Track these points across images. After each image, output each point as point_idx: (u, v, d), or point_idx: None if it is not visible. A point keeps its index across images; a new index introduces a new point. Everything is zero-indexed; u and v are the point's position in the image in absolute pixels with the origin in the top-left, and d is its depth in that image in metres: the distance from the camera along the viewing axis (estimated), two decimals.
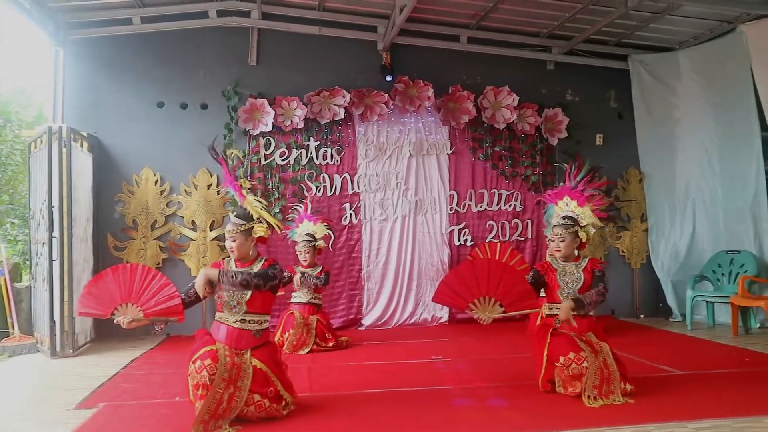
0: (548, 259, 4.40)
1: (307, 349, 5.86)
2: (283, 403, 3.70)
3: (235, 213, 3.92)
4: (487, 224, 7.85)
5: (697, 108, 7.76)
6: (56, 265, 5.84)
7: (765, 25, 6.75)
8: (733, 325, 6.56)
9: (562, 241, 4.25)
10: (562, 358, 3.96)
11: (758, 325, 6.79)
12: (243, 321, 3.70)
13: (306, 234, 6.24)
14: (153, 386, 4.56)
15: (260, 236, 3.89)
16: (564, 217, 4.33)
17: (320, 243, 6.33)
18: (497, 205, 7.89)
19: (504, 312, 3.99)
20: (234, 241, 3.81)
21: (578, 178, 4.43)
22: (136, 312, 3.52)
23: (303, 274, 6.09)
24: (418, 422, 3.58)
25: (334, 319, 7.04)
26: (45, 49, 7.34)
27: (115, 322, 3.53)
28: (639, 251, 8.21)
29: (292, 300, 6.19)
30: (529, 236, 7.90)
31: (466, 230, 7.81)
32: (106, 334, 6.70)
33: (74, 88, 7.02)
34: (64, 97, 6.98)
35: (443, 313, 7.64)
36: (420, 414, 3.72)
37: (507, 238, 7.86)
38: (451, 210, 7.79)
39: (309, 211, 6.48)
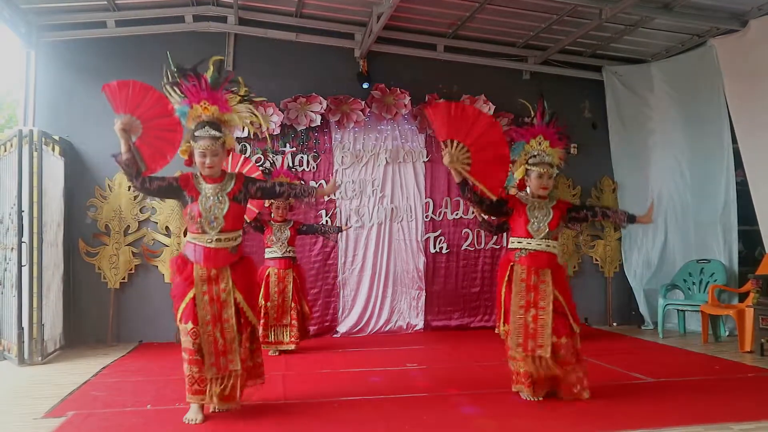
0: (515, 193, 4.35)
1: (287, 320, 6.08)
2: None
3: (205, 125, 3.76)
4: (463, 232, 7.88)
5: (670, 119, 7.89)
6: (25, 270, 5.73)
7: (734, 39, 6.88)
8: (704, 334, 6.66)
9: (550, 179, 4.25)
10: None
11: (727, 333, 6.90)
12: (218, 240, 3.75)
13: None
14: (124, 394, 4.49)
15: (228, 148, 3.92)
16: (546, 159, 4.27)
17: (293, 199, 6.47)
18: (473, 212, 7.90)
19: (467, 168, 4.06)
20: (215, 155, 3.76)
21: (547, 119, 4.41)
22: (136, 127, 3.73)
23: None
24: (392, 430, 3.57)
25: (309, 327, 6.98)
26: (16, 51, 7.22)
27: (115, 120, 3.67)
28: (612, 260, 8.30)
29: (267, 255, 6.21)
30: (505, 244, 7.92)
31: (442, 238, 7.83)
32: (76, 341, 6.60)
33: (46, 91, 6.91)
34: (35, 100, 6.86)
35: (418, 321, 7.64)
36: (394, 422, 3.71)
37: (483, 246, 7.90)
38: (426, 218, 7.81)
39: (285, 168, 6.62)
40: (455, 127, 4.05)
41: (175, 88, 3.84)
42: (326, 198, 7.42)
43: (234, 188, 3.85)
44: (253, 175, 5.87)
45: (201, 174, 3.85)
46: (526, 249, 4.18)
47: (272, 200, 6.01)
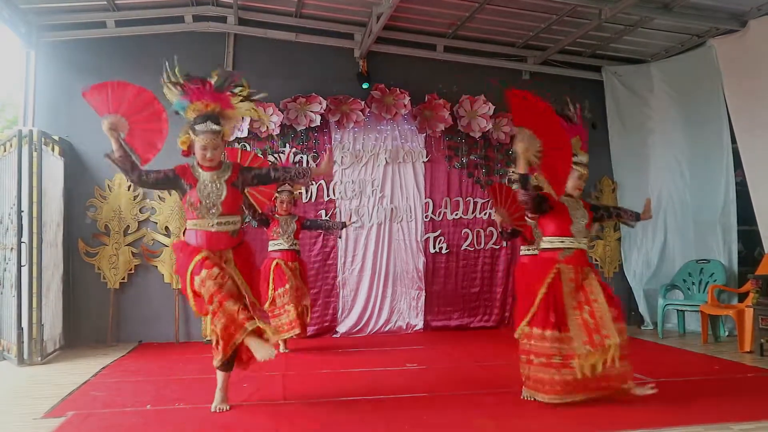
0: (550, 192, 4.26)
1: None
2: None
3: (206, 119, 3.82)
4: (463, 232, 7.88)
5: (669, 119, 7.89)
6: (25, 270, 5.72)
7: (734, 39, 6.89)
8: (703, 334, 6.66)
9: (585, 181, 4.26)
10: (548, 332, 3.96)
11: (726, 333, 6.90)
12: (219, 224, 3.85)
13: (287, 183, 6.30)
14: (124, 394, 4.48)
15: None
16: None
17: (297, 193, 6.55)
18: (472, 213, 7.93)
19: (538, 162, 4.06)
20: (216, 148, 3.86)
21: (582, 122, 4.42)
22: (122, 125, 3.85)
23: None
24: (392, 430, 3.57)
25: (308, 327, 6.98)
26: (16, 51, 7.23)
27: (102, 121, 3.81)
28: (612, 260, 8.31)
29: (272, 248, 6.23)
30: (504, 244, 7.92)
31: (442, 238, 7.83)
32: (75, 341, 6.60)
33: (46, 91, 6.90)
34: (35, 100, 6.85)
35: (418, 321, 7.64)
36: (394, 422, 3.70)
37: (482, 246, 7.90)
38: (426, 218, 7.80)
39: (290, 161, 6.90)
40: (532, 119, 4.04)
41: (177, 87, 3.88)
42: (326, 198, 7.43)
43: (231, 176, 3.94)
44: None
45: (199, 164, 3.91)
46: (570, 248, 4.15)
47: (269, 187, 6.03)
